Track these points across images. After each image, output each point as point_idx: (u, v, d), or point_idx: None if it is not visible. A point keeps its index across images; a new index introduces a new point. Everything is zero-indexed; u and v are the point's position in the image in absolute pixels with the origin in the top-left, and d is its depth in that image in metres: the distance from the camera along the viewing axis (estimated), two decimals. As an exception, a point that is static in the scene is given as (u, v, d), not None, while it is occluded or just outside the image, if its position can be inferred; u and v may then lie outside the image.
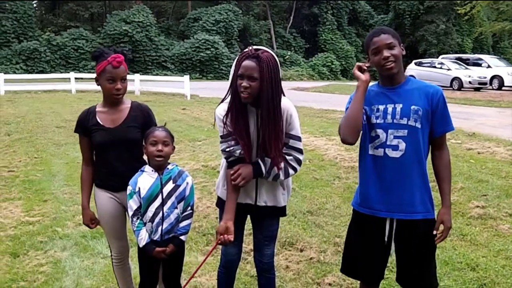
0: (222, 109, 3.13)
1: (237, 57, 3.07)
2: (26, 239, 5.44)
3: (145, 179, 3.23)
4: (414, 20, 52.43)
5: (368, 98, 2.97)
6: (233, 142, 3.09)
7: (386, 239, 3.00)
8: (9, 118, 15.23)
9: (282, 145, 3.09)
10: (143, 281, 3.43)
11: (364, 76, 2.88)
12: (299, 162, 3.17)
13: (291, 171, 3.16)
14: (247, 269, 4.62)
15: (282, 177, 3.14)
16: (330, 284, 4.34)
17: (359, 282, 3.32)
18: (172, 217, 3.24)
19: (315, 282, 4.43)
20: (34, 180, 8.05)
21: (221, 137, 3.14)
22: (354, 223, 3.19)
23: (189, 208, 3.34)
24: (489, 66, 31.14)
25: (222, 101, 3.18)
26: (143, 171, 3.27)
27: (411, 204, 2.92)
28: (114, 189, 3.49)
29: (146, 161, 3.40)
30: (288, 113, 3.09)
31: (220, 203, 3.33)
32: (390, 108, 2.91)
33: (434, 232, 2.94)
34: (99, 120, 3.43)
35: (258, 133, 3.11)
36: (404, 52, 2.93)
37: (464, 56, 36.50)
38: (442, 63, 31.19)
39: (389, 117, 2.90)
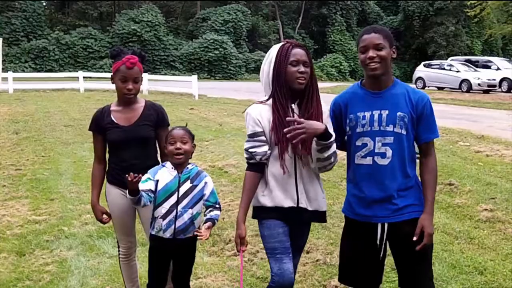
0: (257, 110, 3.04)
1: (276, 50, 3.03)
2: (32, 238, 5.45)
3: (164, 174, 3.28)
4: (424, 21, 52.20)
5: (353, 104, 2.95)
6: (257, 144, 3.00)
7: (378, 242, 2.95)
8: (17, 116, 15.29)
9: None
10: (152, 280, 3.42)
11: None
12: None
13: (334, 160, 3.07)
14: (253, 270, 4.60)
15: (333, 160, 3.05)
16: (336, 287, 4.29)
17: None
18: (186, 216, 3.24)
19: (321, 284, 4.40)
20: (41, 178, 8.08)
21: (249, 135, 3.05)
22: (346, 230, 3.14)
23: (216, 204, 3.34)
24: (498, 69, 30.96)
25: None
26: (164, 166, 3.32)
27: (401, 207, 2.88)
28: (126, 186, 3.49)
29: (159, 160, 3.50)
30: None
31: (259, 211, 3.09)
32: (376, 114, 2.87)
33: (414, 238, 2.83)
34: (113, 119, 3.53)
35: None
36: (394, 55, 2.90)
37: (473, 58, 36.35)
38: (451, 65, 31.08)
39: (375, 124, 2.87)
